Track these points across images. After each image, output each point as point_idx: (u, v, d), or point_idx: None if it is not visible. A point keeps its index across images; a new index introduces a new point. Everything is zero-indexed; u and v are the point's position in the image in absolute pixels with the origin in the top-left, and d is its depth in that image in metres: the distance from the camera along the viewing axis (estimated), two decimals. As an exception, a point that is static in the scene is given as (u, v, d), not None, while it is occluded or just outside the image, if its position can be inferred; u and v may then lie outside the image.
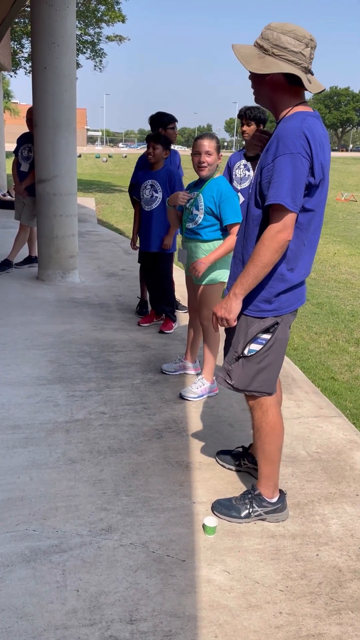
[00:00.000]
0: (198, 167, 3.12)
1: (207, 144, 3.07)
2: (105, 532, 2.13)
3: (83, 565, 1.96)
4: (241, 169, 4.59)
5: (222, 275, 3.20)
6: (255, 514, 2.24)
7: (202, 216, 3.14)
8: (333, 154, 76.86)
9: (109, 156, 47.78)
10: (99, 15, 16.49)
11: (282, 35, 1.80)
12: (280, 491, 2.30)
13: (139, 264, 4.85)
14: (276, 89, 1.89)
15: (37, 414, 3.00)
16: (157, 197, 4.13)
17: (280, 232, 1.83)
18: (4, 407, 3.06)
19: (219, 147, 3.13)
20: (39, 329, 4.35)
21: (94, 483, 2.43)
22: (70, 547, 2.05)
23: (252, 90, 1.96)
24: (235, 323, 2.04)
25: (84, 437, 2.80)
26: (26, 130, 6.06)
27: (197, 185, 3.23)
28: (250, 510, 2.24)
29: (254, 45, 1.88)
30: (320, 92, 1.92)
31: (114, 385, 3.41)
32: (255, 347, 2.07)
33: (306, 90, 1.83)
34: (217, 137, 3.17)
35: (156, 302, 4.55)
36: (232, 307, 2.00)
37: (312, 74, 1.87)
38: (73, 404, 3.14)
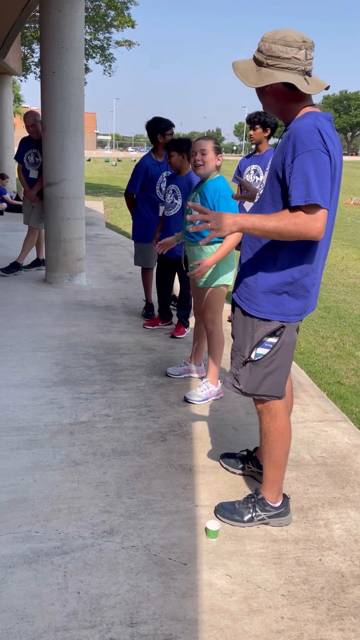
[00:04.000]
0: (194, 165, 3.14)
1: (203, 143, 3.09)
2: (107, 535, 2.13)
3: (84, 567, 1.96)
4: (251, 174, 4.58)
5: (226, 278, 3.20)
6: (258, 518, 2.23)
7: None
8: (343, 157, 76.47)
9: (118, 160, 48.01)
10: (108, 20, 16.59)
11: (272, 45, 1.82)
12: (284, 495, 2.29)
13: (140, 267, 4.86)
14: (279, 98, 1.90)
15: (42, 416, 3.01)
16: (177, 203, 4.09)
17: (317, 228, 1.76)
18: (9, 409, 3.07)
19: (218, 149, 3.14)
20: (45, 331, 4.37)
21: (97, 485, 2.43)
22: (72, 549, 2.05)
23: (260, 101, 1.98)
24: (217, 234, 1.88)
25: (88, 439, 2.81)
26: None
27: (197, 186, 3.24)
28: (254, 514, 2.23)
29: (252, 58, 1.91)
30: (327, 89, 1.92)
31: (119, 388, 3.41)
32: (262, 351, 2.06)
33: (306, 92, 1.83)
34: (216, 139, 3.19)
35: (165, 308, 4.55)
36: (225, 226, 1.84)
37: (310, 75, 1.86)
38: (78, 406, 3.14)
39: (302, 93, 1.85)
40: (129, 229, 10.69)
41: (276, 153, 1.90)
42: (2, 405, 3.11)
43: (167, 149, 3.97)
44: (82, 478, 2.48)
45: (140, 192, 4.61)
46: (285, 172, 1.81)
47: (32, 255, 6.91)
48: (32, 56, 18.17)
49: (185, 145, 3.94)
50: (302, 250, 1.91)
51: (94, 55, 18.31)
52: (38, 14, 5.72)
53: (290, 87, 1.85)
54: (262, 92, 1.92)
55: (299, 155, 1.76)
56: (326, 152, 1.76)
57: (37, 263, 6.52)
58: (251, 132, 4.47)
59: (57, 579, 1.91)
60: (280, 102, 1.92)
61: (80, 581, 1.90)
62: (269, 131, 4.46)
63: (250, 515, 2.22)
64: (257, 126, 4.38)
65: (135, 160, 46.48)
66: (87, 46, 17.66)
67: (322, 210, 1.76)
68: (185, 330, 4.44)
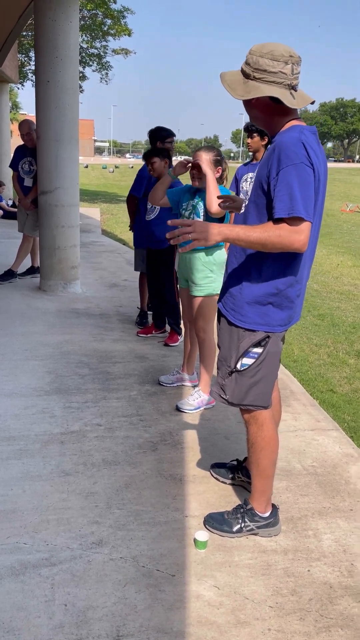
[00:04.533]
0: (191, 177, 3.15)
1: (200, 156, 3.08)
2: (96, 546, 2.13)
3: (72, 579, 1.96)
4: (248, 182, 4.60)
5: (219, 287, 3.21)
6: (247, 528, 2.22)
7: None
8: (339, 165, 77.05)
9: (116, 167, 48.14)
10: (105, 28, 16.68)
11: (260, 59, 1.84)
12: (273, 505, 2.29)
13: (138, 272, 4.89)
14: (264, 111, 1.93)
15: (33, 425, 3.01)
16: (155, 208, 4.17)
17: (300, 240, 1.78)
18: (0, 418, 3.06)
19: (219, 160, 3.11)
20: (38, 339, 4.37)
21: (87, 496, 2.43)
22: (60, 560, 2.04)
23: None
24: (200, 243, 1.88)
25: (79, 449, 2.80)
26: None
27: (197, 193, 3.23)
28: (242, 524, 2.22)
29: (240, 70, 1.92)
30: (312, 103, 1.94)
31: (111, 397, 3.41)
32: (247, 361, 2.07)
33: (291, 107, 1.85)
34: (218, 150, 3.16)
35: (159, 315, 4.56)
36: (210, 236, 1.85)
37: (295, 90, 1.88)
38: (69, 416, 3.14)
39: (287, 107, 1.87)
40: (125, 236, 10.71)
41: (261, 165, 1.92)
42: (-6, 415, 3.10)
43: (147, 157, 4.03)
44: (71, 488, 2.48)
45: (142, 197, 4.64)
46: (270, 185, 1.83)
47: (26, 263, 6.92)
48: (29, 64, 18.24)
49: (165, 153, 4.03)
50: (286, 262, 1.92)
51: (90, 63, 18.40)
52: (34, 23, 5.74)
53: (275, 100, 1.86)
54: (248, 104, 1.95)
55: (284, 168, 1.78)
56: (310, 166, 1.78)
57: (31, 271, 6.53)
58: (249, 141, 4.49)
59: (44, 591, 1.90)
60: (266, 115, 1.95)
61: (67, 593, 1.90)
62: (267, 139, 4.48)
63: (239, 526, 2.22)
64: (255, 134, 4.40)
65: (132, 167, 46.63)
66: (83, 54, 17.74)
67: (305, 223, 1.78)
68: (179, 337, 4.45)
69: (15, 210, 11.33)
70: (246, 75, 1.89)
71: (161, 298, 4.43)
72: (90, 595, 1.90)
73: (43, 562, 2.03)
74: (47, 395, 3.39)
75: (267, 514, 2.24)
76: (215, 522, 2.25)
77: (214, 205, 2.91)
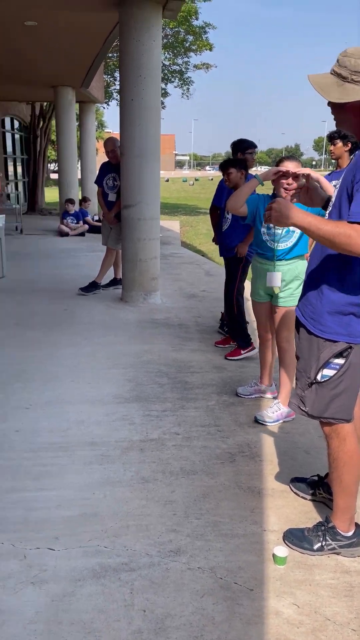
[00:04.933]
0: (285, 189, 3.09)
1: (288, 166, 3.06)
2: (174, 554, 2.14)
3: (150, 586, 1.98)
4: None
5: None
6: (329, 547, 2.15)
7: (298, 232, 3.15)
8: None
9: (196, 179, 48.70)
10: (187, 45, 17.03)
11: (359, 61, 1.78)
12: (357, 525, 2.20)
13: (219, 284, 4.96)
14: (358, 114, 1.86)
15: (114, 432, 3.09)
16: (227, 218, 4.24)
17: None
18: (83, 424, 3.18)
19: None
20: (120, 349, 4.49)
21: (165, 504, 2.46)
22: (139, 566, 2.08)
23: (333, 117, 1.95)
24: (273, 220, 1.92)
25: (158, 456, 2.84)
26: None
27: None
28: (324, 543, 2.15)
29: (331, 73, 1.87)
30: None
31: (189, 406, 3.44)
32: (328, 372, 2.01)
33: None
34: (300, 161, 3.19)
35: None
36: (282, 218, 1.88)
37: None
38: (148, 424, 3.20)
39: None
40: (204, 248, 10.80)
41: (347, 171, 1.88)
42: (78, 421, 3.22)
43: (224, 168, 4.07)
44: (150, 495, 2.52)
45: (224, 207, 4.70)
46: (354, 189, 1.79)
47: (110, 275, 7.15)
48: (114, 84, 18.99)
49: (242, 163, 4.05)
50: None
51: (172, 79, 18.84)
52: (119, 44, 5.97)
53: None
54: (341, 107, 1.89)
55: None
56: None
57: (114, 282, 6.74)
58: (331, 147, 4.38)
59: (123, 595, 1.94)
60: (359, 119, 1.88)
61: (146, 599, 1.92)
62: (350, 145, 4.35)
63: (320, 544, 2.15)
64: (337, 140, 4.28)
65: (212, 179, 46.96)
66: (166, 71, 18.21)
67: None
68: (241, 352, 4.31)
69: (100, 224, 11.79)
70: (343, 78, 1.84)
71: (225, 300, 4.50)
72: (168, 603, 1.91)
73: (123, 567, 2.07)
74: (127, 402, 3.48)
75: (350, 533, 2.16)
76: (295, 538, 2.19)
77: None
